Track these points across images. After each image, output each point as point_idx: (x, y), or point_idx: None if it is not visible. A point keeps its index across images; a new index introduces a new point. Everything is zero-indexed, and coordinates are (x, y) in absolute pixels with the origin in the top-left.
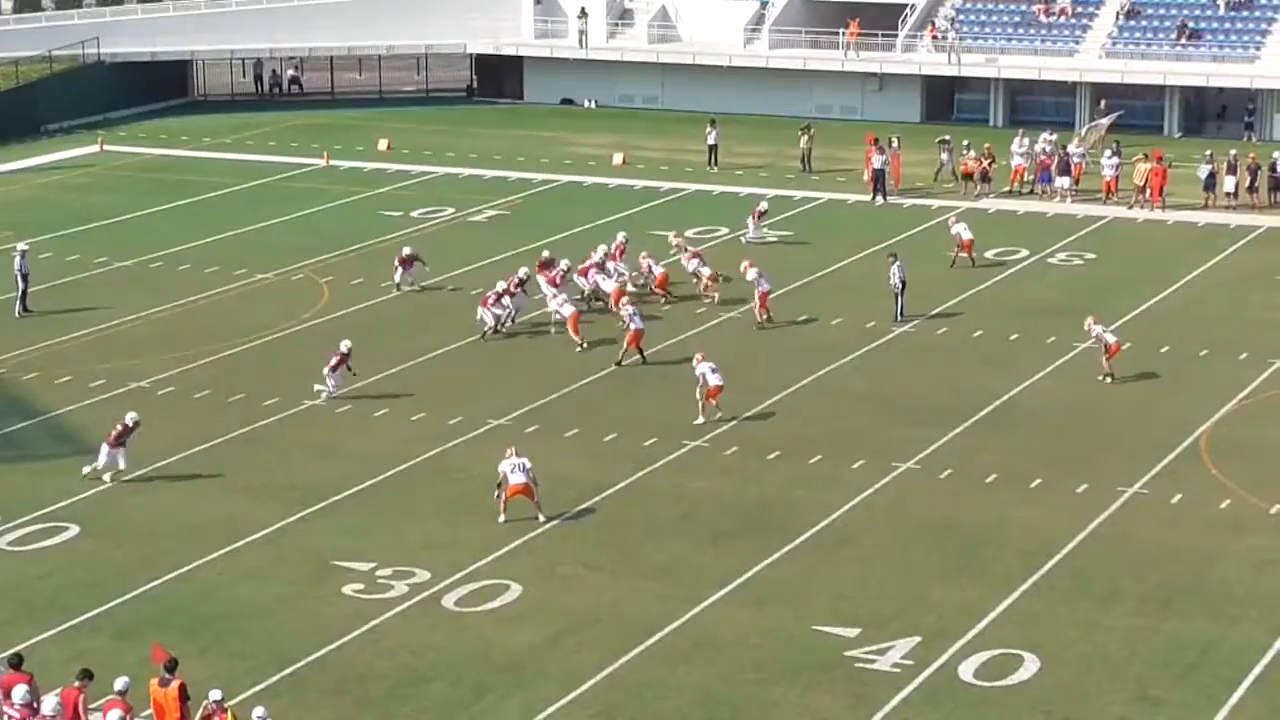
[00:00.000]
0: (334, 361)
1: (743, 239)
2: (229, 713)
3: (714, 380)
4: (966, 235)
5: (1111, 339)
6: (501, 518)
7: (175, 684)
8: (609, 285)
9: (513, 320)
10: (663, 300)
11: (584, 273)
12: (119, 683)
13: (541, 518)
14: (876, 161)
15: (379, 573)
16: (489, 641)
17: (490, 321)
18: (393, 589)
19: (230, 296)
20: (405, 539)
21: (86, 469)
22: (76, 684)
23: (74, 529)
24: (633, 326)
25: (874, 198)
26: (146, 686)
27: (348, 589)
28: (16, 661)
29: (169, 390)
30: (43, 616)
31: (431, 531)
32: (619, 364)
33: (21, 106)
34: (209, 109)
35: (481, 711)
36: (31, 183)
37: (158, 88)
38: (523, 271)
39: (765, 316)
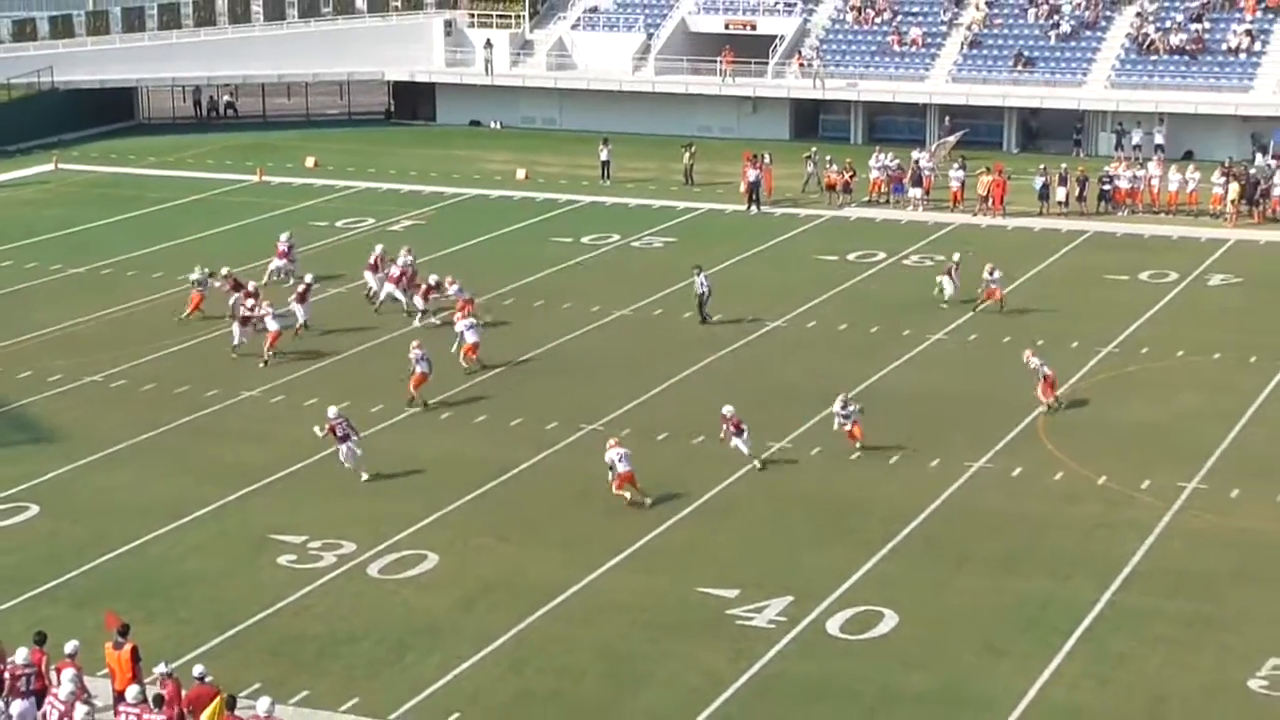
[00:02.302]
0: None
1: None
2: (176, 682)
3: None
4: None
5: (1048, 371)
6: (626, 498)
7: (128, 647)
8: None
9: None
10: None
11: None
12: (69, 646)
13: (648, 501)
14: (751, 175)
15: (310, 545)
16: (409, 606)
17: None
18: (322, 559)
19: (174, 299)
20: (333, 515)
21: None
22: (36, 648)
23: (34, 509)
24: (418, 370)
25: (749, 207)
26: (102, 650)
27: (282, 560)
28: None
29: (120, 384)
30: (6, 589)
31: (356, 508)
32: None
33: None
34: (153, 131)
35: (403, 668)
36: None
37: (107, 112)
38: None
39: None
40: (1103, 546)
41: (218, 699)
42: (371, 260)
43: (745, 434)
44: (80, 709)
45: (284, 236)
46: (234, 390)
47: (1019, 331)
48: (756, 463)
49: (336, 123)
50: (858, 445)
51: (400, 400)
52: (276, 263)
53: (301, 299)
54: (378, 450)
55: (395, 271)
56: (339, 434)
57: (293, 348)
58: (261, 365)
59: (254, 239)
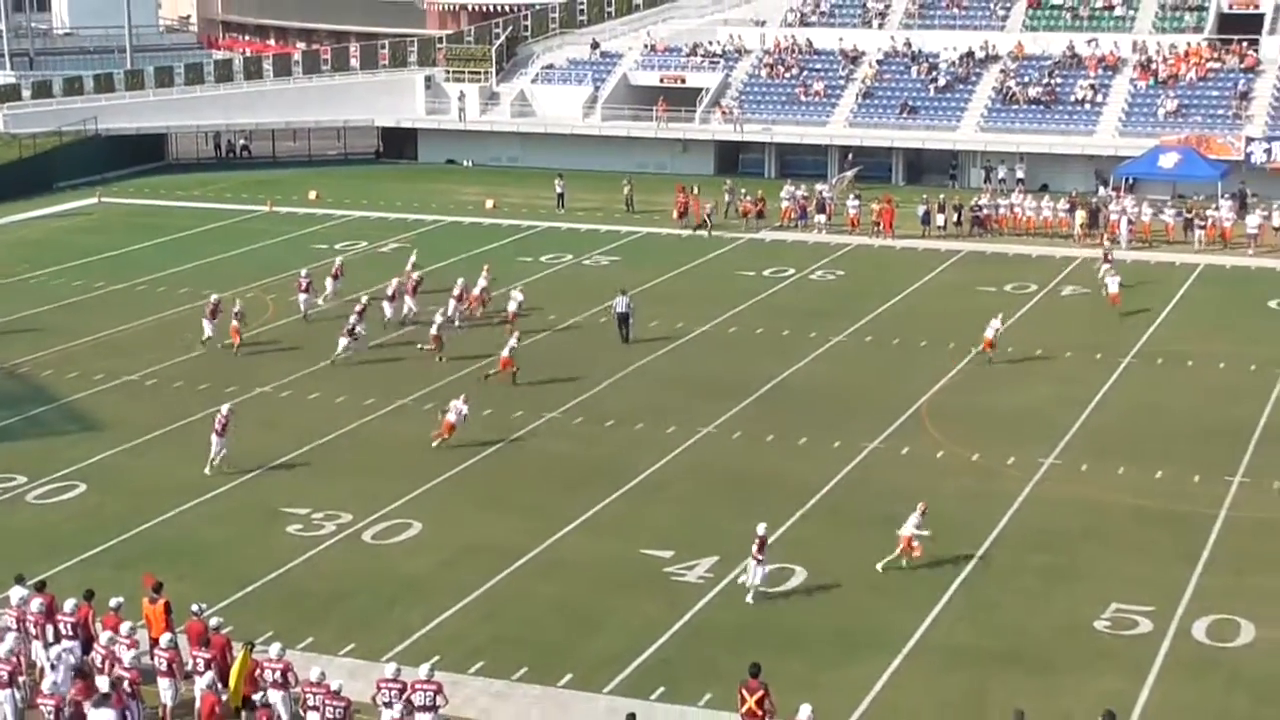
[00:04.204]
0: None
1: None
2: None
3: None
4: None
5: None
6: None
7: (161, 602)
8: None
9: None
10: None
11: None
12: (113, 601)
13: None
14: (706, 206)
15: (314, 516)
16: (397, 566)
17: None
18: (324, 528)
19: (198, 311)
20: (333, 491)
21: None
22: (85, 603)
23: (83, 486)
24: (449, 419)
25: (707, 232)
26: (140, 605)
27: (291, 529)
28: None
29: (153, 382)
30: (60, 553)
31: (353, 485)
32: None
33: (38, 170)
34: (180, 170)
35: (393, 618)
36: (46, 227)
37: (142, 154)
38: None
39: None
40: (976, 512)
41: (244, 652)
42: (301, 284)
43: (763, 560)
44: (128, 653)
45: (337, 260)
46: (249, 386)
47: (907, 334)
48: (749, 598)
49: (334, 161)
50: (904, 559)
51: (390, 394)
52: (330, 284)
53: (413, 291)
54: (371, 438)
55: (476, 291)
56: None
57: (304, 350)
58: (439, 359)
59: (265, 259)
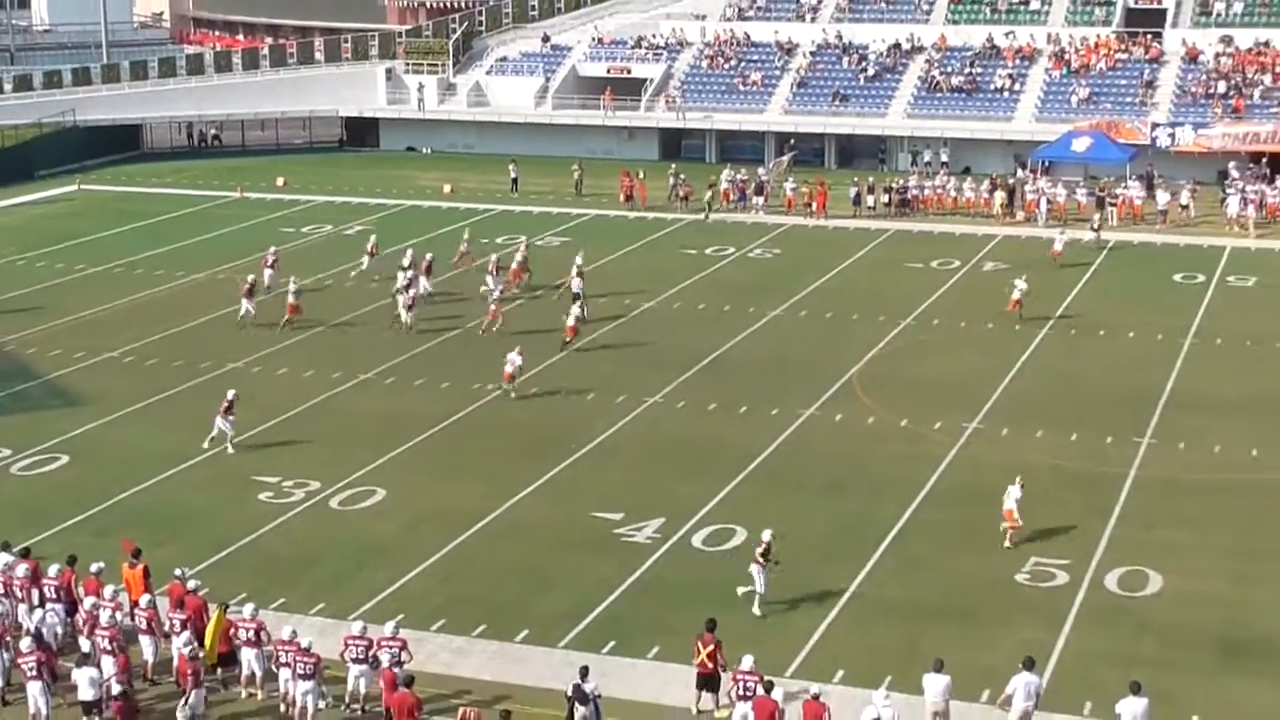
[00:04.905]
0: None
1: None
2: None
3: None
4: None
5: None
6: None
7: (140, 566)
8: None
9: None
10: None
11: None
12: (94, 566)
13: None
14: (682, 191)
15: (284, 484)
16: (363, 530)
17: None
18: (294, 495)
19: (173, 291)
20: (302, 460)
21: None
22: (68, 568)
23: (65, 458)
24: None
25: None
26: (120, 569)
27: (263, 496)
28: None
29: (131, 359)
30: (44, 521)
31: (320, 454)
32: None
33: (19, 159)
34: (155, 159)
35: (360, 580)
36: (28, 213)
37: (118, 144)
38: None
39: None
40: (905, 474)
41: (219, 613)
42: (268, 260)
43: (766, 567)
44: (105, 613)
45: (271, 250)
46: (221, 363)
47: (839, 308)
48: (756, 610)
49: (301, 150)
50: (1007, 530)
51: (355, 368)
52: (267, 274)
53: (427, 272)
54: (337, 410)
55: (514, 266)
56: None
57: (272, 327)
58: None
59: (236, 242)
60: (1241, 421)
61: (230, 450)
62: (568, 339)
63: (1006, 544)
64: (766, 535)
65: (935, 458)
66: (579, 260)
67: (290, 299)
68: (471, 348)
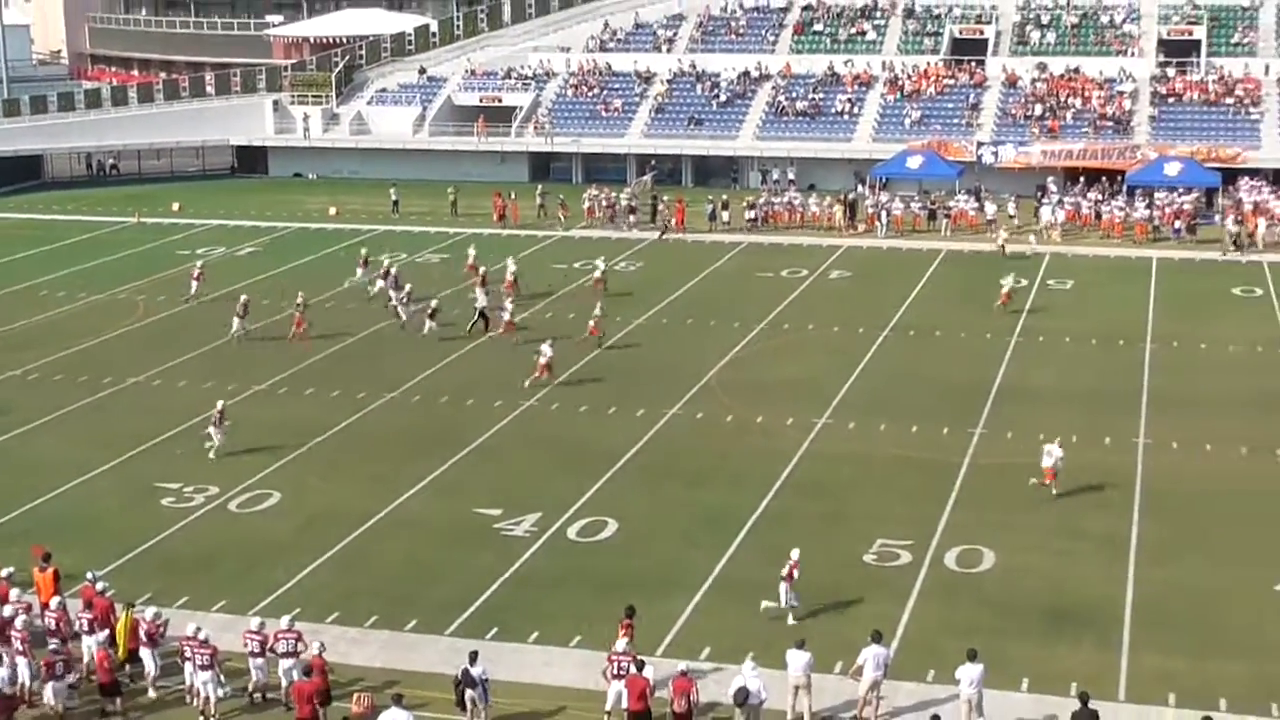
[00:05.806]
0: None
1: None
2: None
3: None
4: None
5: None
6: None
7: (50, 570)
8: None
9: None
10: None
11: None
12: (3, 570)
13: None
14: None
15: (185, 490)
16: (260, 531)
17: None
18: (194, 500)
19: (76, 312)
20: (201, 467)
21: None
22: None
23: None
24: (542, 360)
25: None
26: (30, 573)
27: (165, 501)
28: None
29: (35, 376)
30: None
31: (218, 461)
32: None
33: None
34: (56, 187)
35: (258, 577)
36: None
37: (20, 174)
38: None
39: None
40: (761, 467)
41: (126, 613)
42: (195, 273)
43: (791, 584)
44: (20, 618)
45: (197, 264)
46: (122, 378)
47: (698, 315)
48: (791, 620)
49: (194, 177)
50: (1048, 483)
51: (249, 380)
52: (194, 285)
53: (483, 283)
54: (234, 418)
55: (509, 278)
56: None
57: (170, 344)
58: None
59: (135, 264)
60: (1063, 411)
61: (212, 458)
62: (591, 335)
63: (1054, 491)
64: (794, 554)
65: (788, 451)
66: (601, 265)
67: (295, 313)
68: (358, 359)
